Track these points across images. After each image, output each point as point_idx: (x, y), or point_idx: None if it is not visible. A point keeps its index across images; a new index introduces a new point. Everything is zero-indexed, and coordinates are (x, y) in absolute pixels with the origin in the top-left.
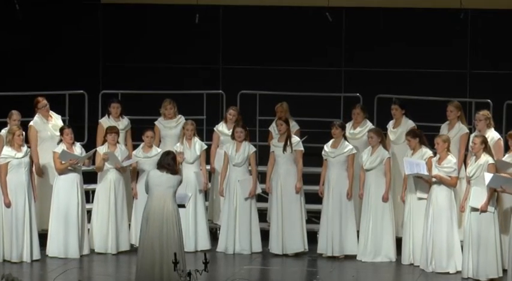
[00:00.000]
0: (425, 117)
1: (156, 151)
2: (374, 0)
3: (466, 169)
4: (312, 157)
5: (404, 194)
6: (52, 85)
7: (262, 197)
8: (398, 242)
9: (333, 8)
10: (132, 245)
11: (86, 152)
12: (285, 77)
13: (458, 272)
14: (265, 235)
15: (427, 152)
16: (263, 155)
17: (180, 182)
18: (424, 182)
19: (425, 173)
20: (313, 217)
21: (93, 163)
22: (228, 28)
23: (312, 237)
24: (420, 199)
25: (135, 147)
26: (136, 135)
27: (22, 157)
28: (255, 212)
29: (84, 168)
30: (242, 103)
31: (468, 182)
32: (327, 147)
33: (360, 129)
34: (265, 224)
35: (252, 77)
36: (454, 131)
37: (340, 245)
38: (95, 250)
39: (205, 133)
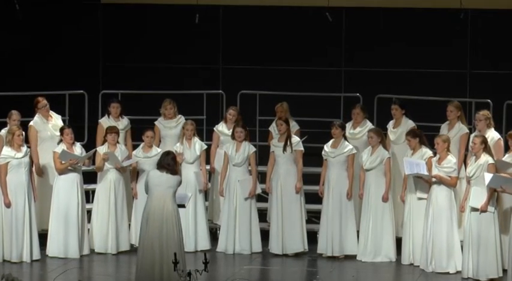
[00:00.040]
0: (425, 117)
1: (156, 151)
2: (374, 0)
3: (466, 169)
4: (312, 157)
5: (404, 194)
6: (52, 85)
7: (262, 197)
8: (399, 242)
9: (333, 8)
10: (132, 245)
11: (86, 152)
12: (285, 77)
13: (458, 272)
14: (265, 235)
15: (427, 152)
16: (263, 155)
17: (180, 182)
18: (424, 182)
19: (425, 173)
20: (313, 217)
21: (93, 163)
22: (228, 28)
23: (312, 237)
24: (420, 199)
25: (135, 147)
26: (136, 136)
27: (22, 157)
28: (255, 212)
29: (84, 168)
30: (242, 103)
31: (468, 182)
32: (327, 147)
33: (359, 129)
34: (265, 224)
35: (252, 77)
36: (454, 131)
37: (340, 245)
38: (95, 250)
39: (205, 133)
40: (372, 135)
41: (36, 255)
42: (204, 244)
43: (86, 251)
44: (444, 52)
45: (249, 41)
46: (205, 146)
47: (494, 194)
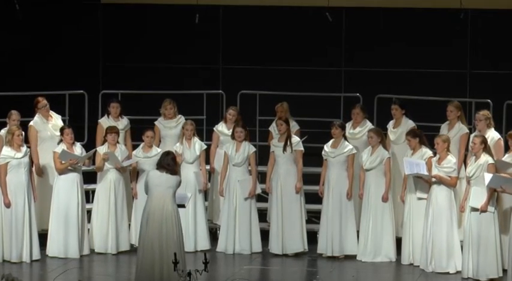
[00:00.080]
0: (425, 117)
1: (156, 151)
2: (374, 0)
3: (465, 169)
4: (312, 157)
5: (404, 194)
6: (52, 85)
7: (262, 197)
8: (398, 242)
9: (333, 8)
10: (132, 245)
11: (86, 152)
12: (285, 77)
13: (458, 272)
14: (265, 235)
15: (427, 152)
16: (263, 155)
17: (179, 183)
18: (424, 182)
19: (425, 173)
20: (313, 217)
21: (93, 163)
22: (228, 28)
23: (312, 237)
24: (420, 199)
25: (135, 147)
26: (136, 136)
27: (21, 157)
28: (254, 212)
29: (84, 168)
30: (242, 103)
31: (468, 182)
32: (327, 147)
33: (359, 129)
34: (265, 224)
35: (252, 77)
36: (454, 131)
37: (340, 245)
38: (95, 250)
39: (205, 133)
40: (372, 135)
41: (36, 255)
42: (204, 244)
43: (86, 251)
44: (444, 52)
45: (249, 41)
46: (205, 146)
47: (494, 194)
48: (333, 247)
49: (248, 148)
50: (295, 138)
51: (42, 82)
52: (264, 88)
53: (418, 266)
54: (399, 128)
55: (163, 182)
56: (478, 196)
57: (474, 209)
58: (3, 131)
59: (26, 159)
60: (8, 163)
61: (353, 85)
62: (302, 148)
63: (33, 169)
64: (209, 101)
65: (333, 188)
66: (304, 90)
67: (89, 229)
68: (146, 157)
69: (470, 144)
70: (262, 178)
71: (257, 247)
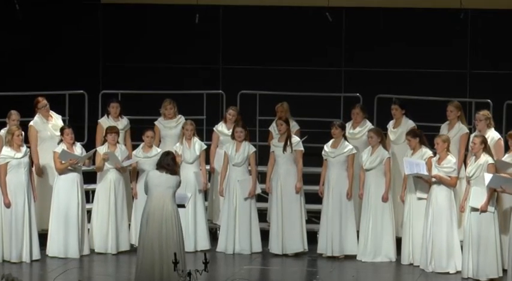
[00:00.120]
0: (425, 117)
1: (156, 151)
2: (374, 0)
3: (465, 169)
4: (312, 157)
5: (404, 194)
6: (52, 85)
7: (262, 197)
8: (398, 242)
9: (333, 8)
10: (132, 245)
11: (86, 152)
12: (285, 77)
13: (458, 272)
14: (265, 235)
15: (427, 152)
16: (263, 155)
17: (179, 183)
18: (423, 182)
19: (425, 173)
20: (313, 217)
21: (93, 163)
22: (228, 28)
23: (312, 237)
24: (420, 199)
25: (134, 147)
26: (136, 136)
27: (21, 157)
28: (254, 212)
29: (84, 168)
30: (242, 103)
31: (468, 182)
32: (327, 147)
33: (359, 129)
34: (265, 224)
35: (252, 77)
36: (454, 131)
37: (340, 245)
38: (95, 250)
39: (205, 133)
40: (372, 135)
41: (36, 255)
42: (204, 244)
43: (86, 251)
44: (444, 52)
45: (249, 41)
46: (205, 146)
47: (494, 194)
48: (333, 247)
49: (248, 148)
50: (295, 138)
51: (42, 82)
52: (264, 88)
53: (418, 266)
54: (399, 128)
55: (163, 182)
56: (478, 196)
57: (474, 209)
58: (3, 131)
59: (26, 159)
60: (7, 163)
61: (353, 85)
62: (302, 148)
63: (33, 169)
64: (209, 101)
65: (333, 188)
66: (304, 90)
67: (89, 229)
68: (146, 157)
69: (470, 144)
70: (262, 178)
71: (257, 247)
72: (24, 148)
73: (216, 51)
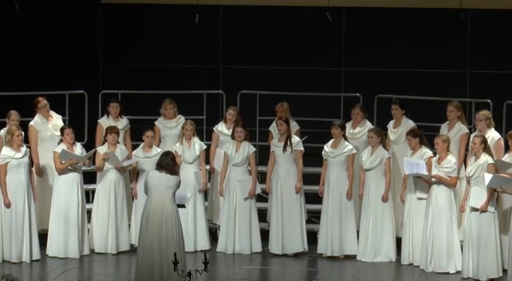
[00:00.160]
0: (425, 117)
1: (156, 151)
2: (374, 0)
3: (465, 169)
4: (312, 157)
5: (404, 194)
6: (52, 85)
7: (262, 197)
8: (398, 242)
9: (333, 8)
10: (132, 245)
11: (86, 152)
12: (285, 77)
13: (458, 272)
14: (265, 235)
15: (427, 152)
16: (263, 155)
17: (179, 183)
18: (423, 182)
19: (425, 173)
20: (313, 217)
21: (94, 163)
22: (228, 28)
23: (312, 237)
24: (420, 199)
25: (134, 147)
26: (136, 136)
27: (21, 157)
28: (254, 212)
29: (84, 168)
30: (242, 103)
31: (468, 182)
32: (327, 147)
33: (359, 129)
34: (265, 224)
35: (252, 77)
36: (454, 131)
37: (340, 245)
38: (95, 250)
39: (205, 133)
40: (372, 135)
41: (36, 255)
42: (204, 244)
43: (86, 251)
44: (444, 52)
45: (249, 41)
46: (205, 146)
47: (494, 194)
48: (333, 247)
49: (248, 148)
50: (295, 138)
51: (42, 82)
52: (264, 88)
53: (418, 266)
54: (399, 128)
55: (163, 182)
56: (478, 196)
57: (474, 209)
58: (3, 131)
59: (26, 159)
60: (7, 163)
61: (353, 85)
62: (302, 148)
63: (33, 169)
64: (209, 101)
65: (333, 188)
66: (304, 90)
67: (89, 229)
68: (146, 157)
69: (470, 144)
70: (262, 178)
71: (257, 247)
72: (24, 148)
73: (216, 51)
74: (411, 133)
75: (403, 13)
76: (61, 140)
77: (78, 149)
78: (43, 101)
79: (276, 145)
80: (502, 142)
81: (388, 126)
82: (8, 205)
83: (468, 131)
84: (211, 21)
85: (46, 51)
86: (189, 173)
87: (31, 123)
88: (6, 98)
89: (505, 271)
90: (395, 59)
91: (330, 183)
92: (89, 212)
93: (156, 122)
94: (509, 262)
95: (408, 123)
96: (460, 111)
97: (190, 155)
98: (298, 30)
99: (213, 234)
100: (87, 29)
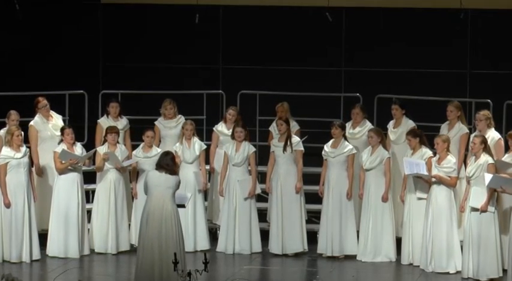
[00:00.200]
0: (425, 117)
1: (156, 151)
2: (374, 0)
3: (465, 169)
4: (312, 157)
5: (404, 194)
6: (52, 85)
7: (262, 197)
8: (398, 242)
9: (333, 8)
10: (132, 245)
11: (86, 152)
12: (285, 77)
13: (458, 272)
14: (265, 235)
15: (427, 152)
16: (263, 155)
17: (179, 183)
18: (423, 182)
19: (425, 173)
20: (313, 217)
21: (94, 163)
22: (228, 28)
23: (312, 237)
24: (420, 199)
25: (134, 147)
26: (136, 136)
27: (21, 157)
28: (254, 212)
29: (84, 168)
30: (242, 103)
31: (468, 182)
32: (327, 147)
33: (359, 129)
34: (265, 224)
35: (252, 77)
36: (454, 131)
37: (340, 245)
38: (95, 250)
39: (205, 133)
40: (372, 135)
41: (36, 255)
42: (204, 244)
43: (86, 251)
44: (444, 52)
45: (249, 41)
46: (205, 146)
47: (494, 194)
48: (333, 247)
49: (248, 148)
50: (295, 138)
51: (42, 82)
52: (264, 88)
53: (418, 266)
54: (399, 128)
55: (163, 182)
56: (478, 196)
57: (474, 209)
58: (3, 131)
59: (26, 159)
60: (7, 163)
61: (353, 85)
62: (302, 148)
63: (33, 169)
64: (209, 101)
65: (333, 188)
66: (304, 90)
67: (89, 229)
68: (146, 157)
69: (470, 144)
70: (262, 178)
71: (257, 247)
72: (23, 148)
73: (216, 51)
74: (411, 133)
75: (403, 13)
76: (61, 140)
77: (78, 149)
78: (43, 101)
79: (276, 145)
80: (502, 142)
81: (388, 126)
82: (8, 205)
83: (468, 131)
84: (211, 21)
85: (46, 51)
86: (189, 173)
87: (31, 123)
88: (6, 98)
89: (505, 271)
90: (395, 59)
91: (330, 183)
92: (89, 212)
93: (156, 122)
94: (509, 262)
95: (408, 123)
96: (460, 111)
97: (190, 155)
98: (298, 30)
99: (213, 234)
100: (87, 29)
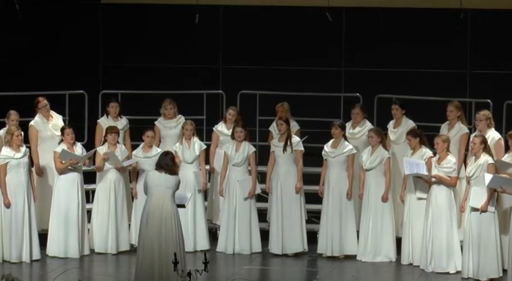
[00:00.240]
0: (425, 117)
1: (156, 151)
2: (374, 0)
3: (465, 169)
4: (312, 157)
5: (404, 194)
6: (52, 85)
7: (262, 197)
8: (398, 242)
9: (333, 8)
10: (132, 245)
11: (86, 152)
12: (285, 77)
13: (458, 272)
14: (265, 235)
15: (427, 152)
16: (263, 155)
17: (179, 183)
18: (423, 182)
19: (425, 173)
20: (313, 217)
21: (94, 163)
22: (228, 28)
23: (312, 237)
24: (420, 199)
25: (134, 147)
26: (136, 136)
27: (21, 157)
28: (254, 212)
29: (84, 168)
30: (242, 103)
31: (468, 182)
32: (327, 147)
33: (359, 129)
34: (265, 224)
35: (252, 77)
36: (454, 131)
37: (340, 245)
38: (95, 250)
39: (205, 133)
40: (372, 135)
41: (36, 255)
42: (203, 244)
43: (86, 251)
44: (444, 52)
45: (249, 41)
46: (205, 146)
47: (494, 194)
48: (333, 247)
49: (248, 148)
50: (295, 138)
51: (42, 82)
52: (264, 88)
53: (418, 266)
54: (399, 128)
55: (162, 182)
56: (478, 196)
57: (474, 209)
58: (2, 131)
59: (26, 159)
60: (7, 163)
61: (353, 85)
62: (302, 148)
63: (33, 169)
64: (209, 101)
65: (333, 188)
66: (304, 90)
67: (89, 229)
68: (146, 157)
69: (470, 144)
70: (262, 178)
71: (257, 247)
72: (23, 148)
73: (216, 51)
74: (411, 133)
75: (403, 13)
76: (61, 140)
77: (79, 149)
78: (43, 101)
79: (276, 145)
80: (502, 142)
81: (388, 126)
82: (7, 205)
83: (468, 131)
84: (211, 21)
85: (46, 51)
86: (189, 173)
87: (31, 123)
88: (6, 98)
89: (505, 271)
90: (395, 59)
91: (330, 183)
92: (89, 212)
93: (156, 122)
94: (509, 262)
95: (408, 123)
96: (460, 111)
97: (190, 155)
98: (298, 30)
99: (213, 234)
100: (87, 29)
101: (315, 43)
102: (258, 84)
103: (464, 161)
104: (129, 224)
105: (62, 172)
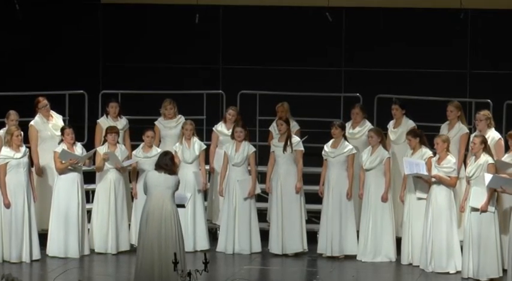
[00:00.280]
0: (425, 117)
1: (156, 151)
2: (374, 0)
3: (465, 169)
4: (312, 157)
5: (404, 194)
6: (52, 85)
7: (262, 197)
8: (398, 242)
9: (333, 8)
10: (132, 245)
11: (86, 152)
12: (285, 77)
13: (458, 272)
14: (265, 235)
15: (427, 152)
16: (263, 155)
17: (178, 183)
18: (423, 182)
19: (425, 173)
20: (313, 217)
21: (94, 163)
22: (228, 28)
23: (312, 237)
24: (420, 199)
25: (134, 147)
26: (136, 136)
27: (21, 157)
28: (254, 212)
29: (84, 168)
30: (242, 103)
31: (468, 182)
32: (327, 147)
33: (359, 129)
34: (265, 224)
35: (252, 77)
36: (454, 131)
37: (340, 245)
38: (95, 250)
39: (205, 133)
40: (372, 135)
41: (36, 255)
42: (203, 244)
43: (86, 251)
44: (444, 52)
45: (249, 41)
46: (205, 146)
47: (494, 194)
48: (333, 247)
49: (248, 148)
50: (296, 138)
51: (42, 82)
52: (264, 88)
53: (418, 266)
54: (399, 128)
55: (162, 182)
56: (478, 196)
57: (474, 209)
58: (2, 131)
59: (25, 159)
60: (7, 163)
61: (353, 85)
62: (302, 148)
63: (33, 169)
64: (209, 101)
65: (333, 188)
66: (304, 90)
67: (89, 229)
68: (146, 157)
69: (470, 144)
70: (262, 178)
71: (257, 247)
72: (23, 148)
73: (216, 51)
74: (411, 133)
75: (403, 13)
76: (61, 140)
77: (79, 149)
78: (43, 101)
79: (276, 145)
80: (502, 142)
81: (388, 126)
82: (7, 205)
83: (468, 131)
84: (211, 21)
85: (46, 51)
86: (189, 173)
87: (31, 123)
88: (6, 98)
89: (505, 271)
90: (395, 59)
91: (330, 183)
92: (89, 212)
93: (156, 122)
94: (509, 262)
95: (408, 123)
96: (460, 111)
97: (189, 155)
98: (298, 30)
99: (213, 234)
100: (87, 29)
101: (315, 43)
102: (258, 84)
103: (464, 161)
104: (129, 224)
105: (62, 172)
